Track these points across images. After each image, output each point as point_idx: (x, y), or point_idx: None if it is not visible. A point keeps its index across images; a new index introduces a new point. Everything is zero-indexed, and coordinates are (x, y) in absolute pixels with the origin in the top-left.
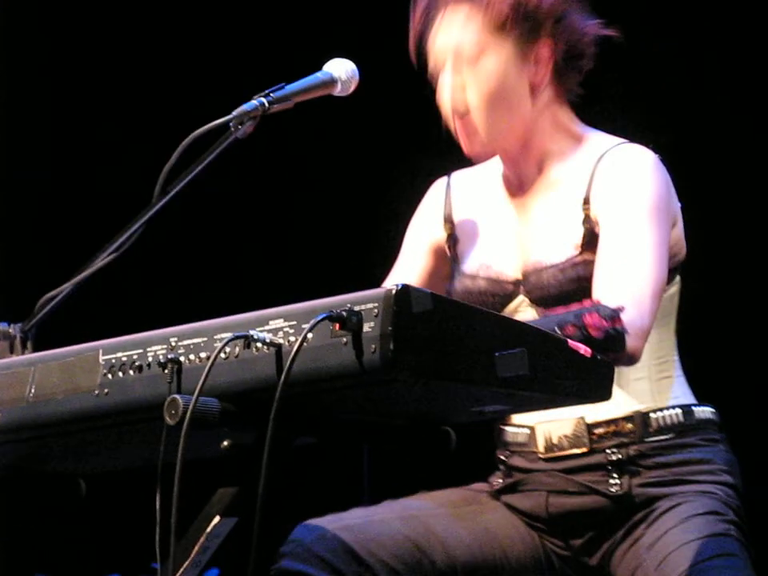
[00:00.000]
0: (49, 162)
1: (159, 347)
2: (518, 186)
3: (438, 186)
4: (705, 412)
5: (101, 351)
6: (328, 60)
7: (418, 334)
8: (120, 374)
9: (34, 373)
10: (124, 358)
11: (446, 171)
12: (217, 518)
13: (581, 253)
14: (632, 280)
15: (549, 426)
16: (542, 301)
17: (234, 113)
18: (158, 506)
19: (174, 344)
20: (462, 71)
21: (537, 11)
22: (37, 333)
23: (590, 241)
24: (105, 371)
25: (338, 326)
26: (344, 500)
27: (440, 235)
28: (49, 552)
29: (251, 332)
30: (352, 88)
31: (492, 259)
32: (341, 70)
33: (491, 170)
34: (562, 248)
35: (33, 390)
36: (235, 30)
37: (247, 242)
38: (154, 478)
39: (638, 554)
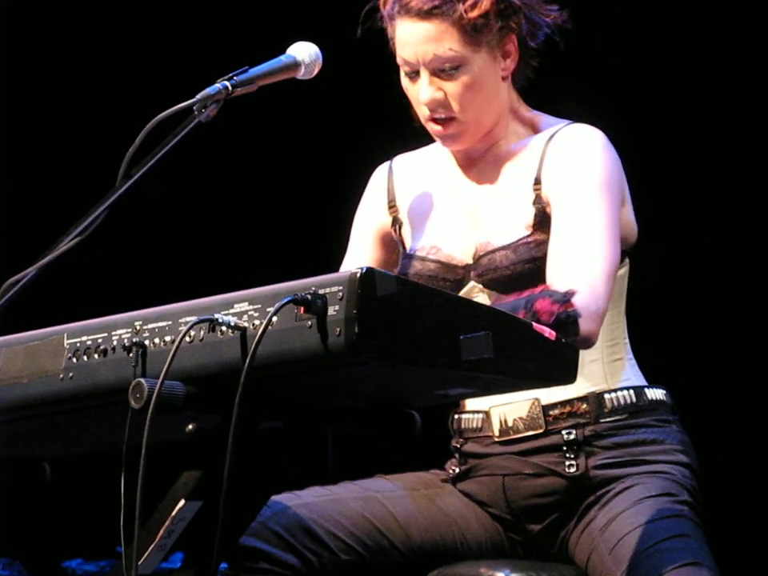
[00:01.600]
0: (11, 144)
1: (124, 331)
2: (465, 168)
3: (380, 172)
4: (656, 393)
5: (65, 335)
6: (291, 43)
7: (383, 318)
8: (85, 357)
9: None
10: (89, 342)
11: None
12: (182, 502)
13: (532, 233)
14: (585, 263)
15: (504, 408)
16: (494, 284)
17: (198, 96)
18: (122, 490)
19: (138, 328)
20: (439, 82)
21: (507, 9)
22: (1, 317)
23: (542, 221)
24: (69, 355)
25: (302, 309)
26: (307, 482)
27: (385, 220)
28: (13, 535)
29: (216, 315)
30: (315, 71)
31: (442, 241)
32: (304, 53)
33: (436, 152)
34: (514, 228)
35: None
36: (199, 13)
37: (212, 226)
38: (118, 461)
39: (592, 537)
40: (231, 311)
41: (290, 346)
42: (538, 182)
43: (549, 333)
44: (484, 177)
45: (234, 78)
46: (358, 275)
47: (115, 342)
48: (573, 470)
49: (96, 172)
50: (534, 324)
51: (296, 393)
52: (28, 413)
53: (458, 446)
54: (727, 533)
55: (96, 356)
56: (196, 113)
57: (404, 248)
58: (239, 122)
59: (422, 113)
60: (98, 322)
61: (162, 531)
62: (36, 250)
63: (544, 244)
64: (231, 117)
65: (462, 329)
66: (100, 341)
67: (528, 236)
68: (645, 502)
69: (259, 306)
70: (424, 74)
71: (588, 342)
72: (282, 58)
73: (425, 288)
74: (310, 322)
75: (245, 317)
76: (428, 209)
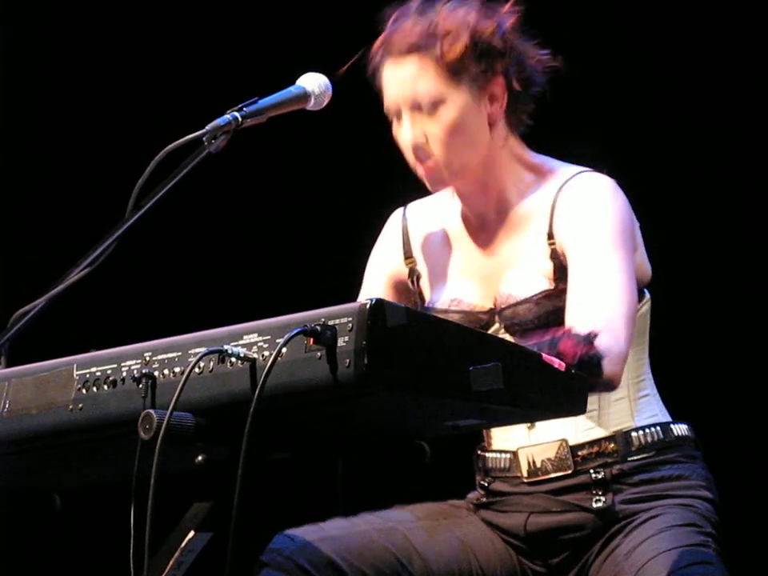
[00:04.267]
0: (21, 179)
1: (133, 362)
2: (478, 224)
3: (395, 220)
4: (682, 429)
5: (75, 366)
6: (301, 74)
7: (393, 348)
8: (94, 388)
9: (8, 388)
10: (98, 373)
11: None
12: (191, 533)
13: (555, 286)
14: (603, 305)
15: (531, 450)
16: (518, 331)
17: (207, 127)
18: (132, 521)
19: (148, 359)
20: (420, 122)
21: (489, 51)
22: (10, 348)
23: (562, 272)
24: (79, 386)
25: (312, 340)
26: (318, 514)
27: (401, 270)
28: (21, 566)
29: (225, 347)
30: (325, 102)
31: (462, 293)
32: (314, 84)
33: (448, 202)
34: (534, 282)
35: (7, 405)
36: (209, 44)
37: (222, 257)
38: (128, 492)
39: (616, 562)
40: (241, 342)
41: (299, 377)
42: (551, 236)
43: (558, 364)
44: (496, 231)
45: (244, 108)
46: (368, 306)
47: (125, 373)
48: (599, 504)
49: (105, 203)
50: (544, 355)
51: (305, 424)
52: (37, 444)
53: (486, 484)
54: (748, 569)
55: (105, 387)
56: (206, 143)
57: (422, 300)
58: (248, 153)
59: (409, 157)
60: (107, 353)
61: (171, 563)
62: (45, 281)
63: (565, 293)
64: (241, 147)
65: (472, 360)
66: (109, 372)
67: (551, 288)
68: (670, 530)
69: (269, 337)
70: (406, 115)
71: (611, 385)
72: (292, 88)
73: (434, 319)
74: (319, 353)
75: (254, 348)
76: (445, 261)
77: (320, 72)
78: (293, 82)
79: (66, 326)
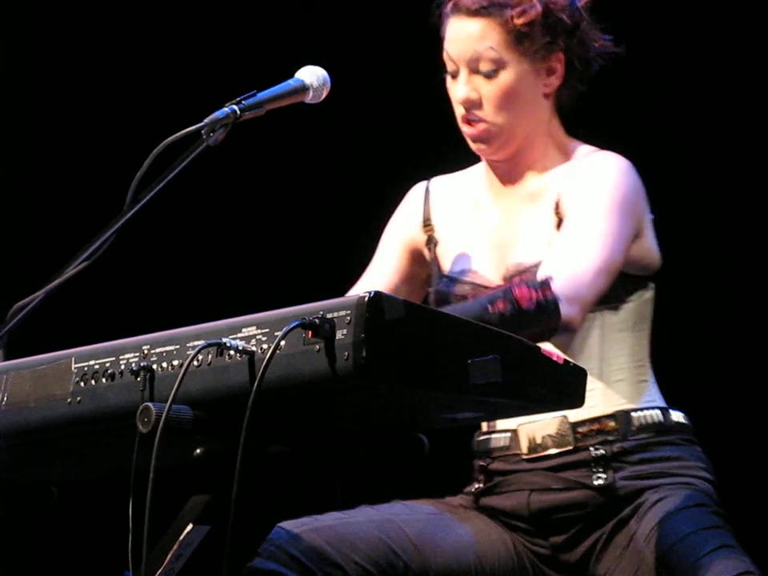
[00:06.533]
0: (20, 172)
1: (132, 355)
2: (498, 195)
3: (417, 190)
4: (679, 416)
5: (73, 359)
6: (300, 67)
7: (391, 341)
8: (92, 381)
9: (6, 381)
10: (96, 366)
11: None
12: (190, 526)
13: None
14: (573, 257)
15: (532, 426)
16: None
17: (206, 120)
18: (130, 514)
19: (146, 352)
20: (477, 82)
21: (557, 24)
22: (8, 341)
23: None
24: (77, 379)
25: (310, 333)
26: (316, 507)
27: (419, 238)
28: (19, 559)
29: (224, 339)
30: (323, 95)
31: (477, 264)
32: (312, 77)
33: (472, 176)
34: (541, 249)
35: (5, 399)
36: (208, 37)
37: (220, 250)
38: (126, 485)
39: (637, 548)
40: (239, 335)
41: (298, 370)
42: (558, 206)
43: (557, 357)
44: (515, 203)
45: (242, 101)
46: (366, 299)
47: (123, 366)
48: (600, 482)
49: (104, 196)
50: (542, 348)
51: (304, 417)
52: (35, 437)
53: (485, 464)
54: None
55: (104, 380)
56: (204, 137)
57: (439, 269)
58: (247, 146)
59: (458, 112)
60: (105, 346)
61: (170, 555)
62: (44, 274)
63: None
64: (240, 140)
65: (470, 353)
66: (108, 365)
67: None
68: (684, 512)
69: (267, 330)
70: (463, 72)
71: (569, 327)
72: (290, 81)
73: (433, 312)
74: (318, 346)
75: (253, 341)
76: (462, 231)
77: (319, 65)
78: (291, 75)
79: (65, 319)
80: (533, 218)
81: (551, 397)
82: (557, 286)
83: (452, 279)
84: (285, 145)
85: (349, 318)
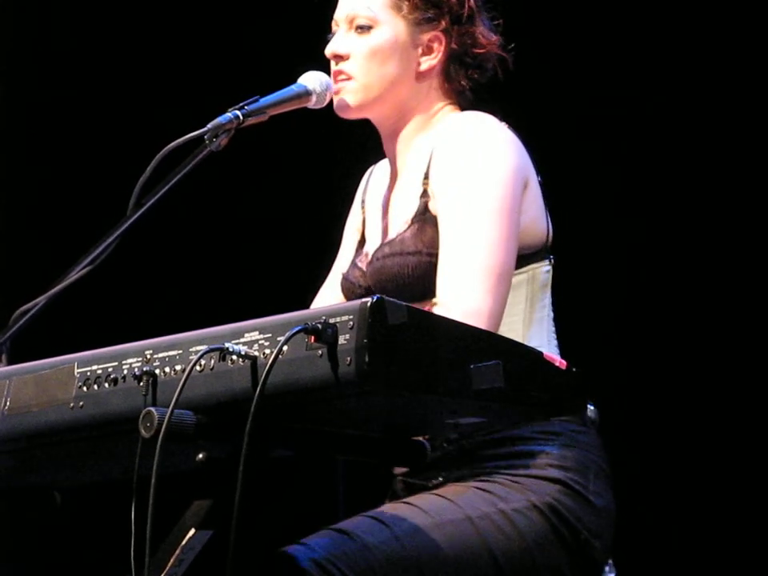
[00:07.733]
0: (23, 177)
1: (134, 360)
2: (392, 172)
3: (364, 176)
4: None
5: (76, 364)
6: (303, 72)
7: (393, 346)
8: (95, 386)
9: (9, 386)
10: (99, 371)
11: None
12: (192, 531)
13: (408, 227)
14: (462, 281)
15: None
16: (378, 284)
17: (209, 125)
18: (133, 519)
19: (149, 357)
20: (350, 38)
21: (443, 3)
22: (11, 346)
23: (422, 212)
24: (80, 384)
25: (313, 338)
26: (318, 512)
27: (360, 219)
28: (22, 564)
29: (226, 344)
30: (327, 100)
31: (370, 245)
32: (315, 83)
33: None
34: (396, 226)
35: (8, 403)
36: (211, 42)
37: (223, 254)
38: (129, 490)
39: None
40: (242, 340)
41: (300, 375)
42: (426, 176)
43: (559, 362)
44: (396, 180)
45: (245, 107)
46: (369, 304)
47: (125, 371)
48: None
49: (107, 201)
50: (545, 353)
51: (306, 422)
52: (38, 441)
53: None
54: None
55: (106, 385)
56: (207, 142)
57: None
58: (249, 151)
59: (332, 68)
60: (108, 350)
61: (172, 560)
62: (47, 279)
63: (417, 237)
64: (243, 145)
65: (473, 358)
66: (110, 370)
67: (405, 230)
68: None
69: (270, 335)
70: (341, 30)
71: None
72: (293, 87)
73: (435, 317)
74: (320, 351)
75: (255, 346)
76: (373, 213)
77: (322, 71)
78: (294, 81)
79: (68, 323)
80: (403, 193)
81: (554, 402)
82: (439, 311)
83: (353, 263)
84: (289, 150)
85: (351, 323)
